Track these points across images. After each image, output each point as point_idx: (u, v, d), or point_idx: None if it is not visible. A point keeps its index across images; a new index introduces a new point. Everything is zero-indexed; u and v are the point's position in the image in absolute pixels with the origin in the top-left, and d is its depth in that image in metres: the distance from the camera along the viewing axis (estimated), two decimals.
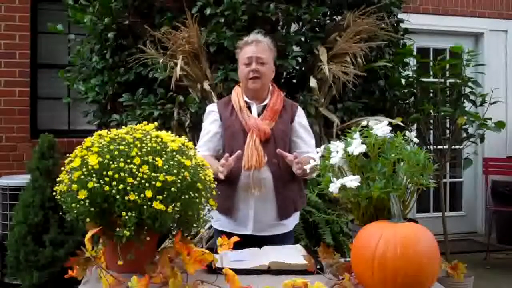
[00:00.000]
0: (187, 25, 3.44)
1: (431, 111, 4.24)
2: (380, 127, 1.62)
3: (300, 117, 2.52)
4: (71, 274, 1.54)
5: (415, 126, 4.48)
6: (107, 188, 1.43)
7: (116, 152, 1.48)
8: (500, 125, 4.35)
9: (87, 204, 1.43)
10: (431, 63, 4.39)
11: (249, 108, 2.43)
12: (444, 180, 5.39)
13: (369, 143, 1.61)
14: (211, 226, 2.58)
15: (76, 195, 1.44)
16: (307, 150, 2.42)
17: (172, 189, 1.47)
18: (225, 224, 2.40)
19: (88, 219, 1.45)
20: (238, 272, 1.52)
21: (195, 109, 3.43)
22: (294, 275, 1.53)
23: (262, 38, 2.47)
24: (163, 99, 3.61)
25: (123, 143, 1.52)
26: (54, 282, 3.49)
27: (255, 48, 2.41)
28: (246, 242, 1.98)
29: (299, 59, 3.69)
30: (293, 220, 2.50)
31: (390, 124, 1.67)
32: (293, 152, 2.39)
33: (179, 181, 1.49)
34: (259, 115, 2.42)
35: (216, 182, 1.68)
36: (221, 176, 2.14)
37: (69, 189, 1.47)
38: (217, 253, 1.65)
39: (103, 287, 1.45)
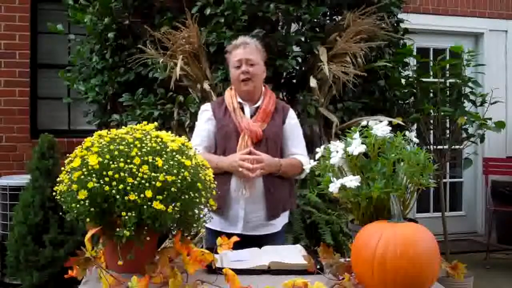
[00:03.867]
0: (187, 25, 3.43)
1: (431, 111, 4.24)
2: (380, 127, 1.62)
3: (291, 118, 2.55)
4: (71, 274, 1.54)
5: (415, 126, 4.48)
6: (107, 188, 1.43)
7: (116, 152, 1.48)
8: (500, 125, 4.35)
9: (87, 204, 1.43)
10: (431, 63, 4.39)
11: (242, 109, 2.46)
12: (444, 180, 5.38)
13: (369, 143, 1.61)
14: None
15: (76, 195, 1.44)
16: (294, 152, 2.47)
17: (172, 189, 1.47)
18: (216, 223, 2.40)
19: (88, 219, 1.45)
20: (238, 272, 1.52)
21: (195, 109, 3.43)
22: (294, 275, 1.53)
23: (249, 40, 2.51)
24: (163, 99, 3.61)
25: (123, 143, 1.52)
26: (54, 282, 3.49)
27: (243, 51, 2.44)
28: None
29: (299, 59, 3.69)
30: (282, 220, 2.52)
31: (390, 124, 1.67)
32: (284, 153, 2.47)
33: (179, 181, 1.49)
34: (251, 116, 2.45)
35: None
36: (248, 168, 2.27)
37: (69, 189, 1.47)
38: (217, 253, 1.65)
39: (103, 287, 1.45)
